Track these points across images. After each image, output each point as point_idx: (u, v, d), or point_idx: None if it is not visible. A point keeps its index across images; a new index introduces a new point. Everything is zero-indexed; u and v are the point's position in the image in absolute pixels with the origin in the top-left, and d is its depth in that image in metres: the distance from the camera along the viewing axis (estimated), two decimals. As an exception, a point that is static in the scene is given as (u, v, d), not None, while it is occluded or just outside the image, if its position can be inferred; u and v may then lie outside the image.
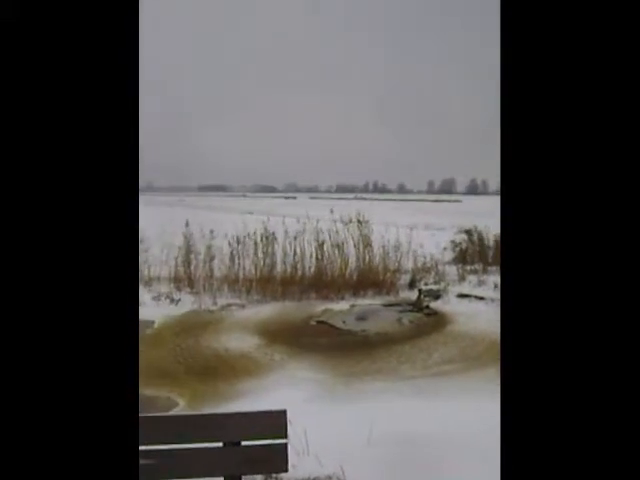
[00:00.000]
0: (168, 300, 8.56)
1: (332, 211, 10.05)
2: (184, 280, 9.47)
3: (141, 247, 9.89)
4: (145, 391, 4.94)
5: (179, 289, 9.25)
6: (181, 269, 9.63)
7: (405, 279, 9.69)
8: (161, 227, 10.48)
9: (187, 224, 9.87)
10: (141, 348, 6.18)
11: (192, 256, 9.67)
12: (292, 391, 4.77)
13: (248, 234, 9.69)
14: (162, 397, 4.86)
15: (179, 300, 8.57)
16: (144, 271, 9.72)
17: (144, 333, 6.81)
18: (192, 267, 9.60)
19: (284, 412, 2.20)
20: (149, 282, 9.52)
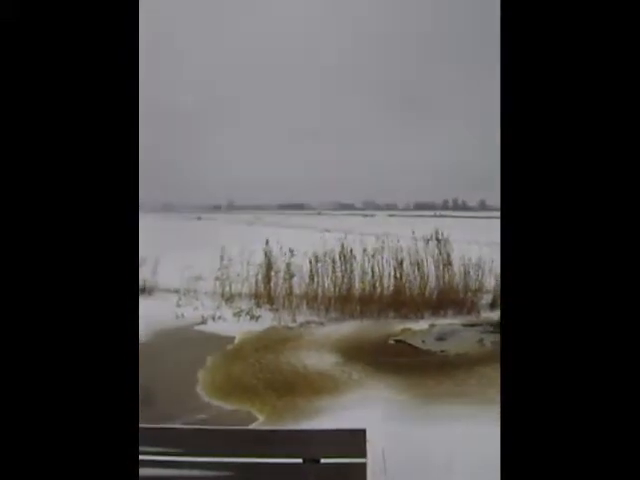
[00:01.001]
0: (248, 316, 8.75)
1: (414, 232, 9.91)
2: (264, 297, 9.65)
3: (222, 264, 10.20)
4: (225, 405, 5.06)
5: (259, 305, 9.43)
6: (261, 286, 9.82)
7: (487, 299, 9.40)
8: (241, 245, 10.73)
9: (267, 242, 10.06)
10: (222, 363, 6.36)
11: (272, 273, 9.84)
12: (370, 410, 4.72)
13: (327, 252, 9.74)
14: (242, 411, 4.95)
15: (259, 316, 8.73)
16: (225, 287, 10.00)
17: (225, 348, 6.98)
18: (272, 284, 9.77)
19: (364, 431, 2.19)
20: (230, 298, 9.78)
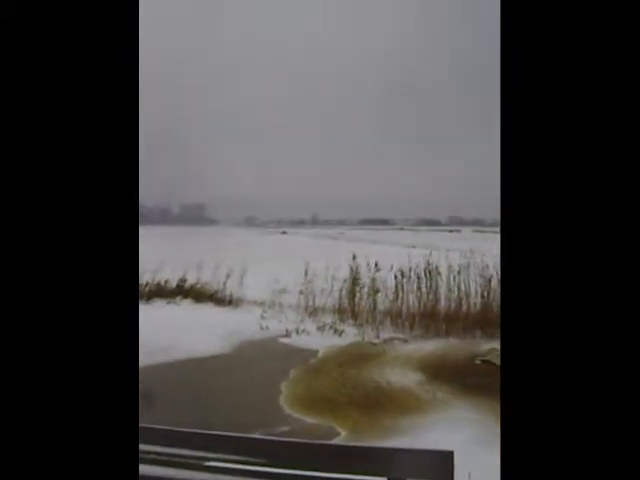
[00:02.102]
0: (332, 331, 8.77)
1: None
2: (348, 312, 9.65)
3: (307, 278, 10.31)
4: (307, 418, 5.07)
5: (343, 320, 9.43)
6: (345, 301, 9.83)
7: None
8: (326, 259, 10.81)
9: (354, 257, 10.07)
10: (305, 376, 6.39)
11: (357, 288, 9.83)
12: (455, 432, 4.58)
13: (411, 268, 9.62)
14: (324, 425, 4.94)
15: (343, 331, 8.73)
16: (309, 301, 10.08)
17: (308, 362, 7.02)
18: (356, 299, 9.75)
19: (451, 453, 2.11)
20: (314, 312, 9.85)
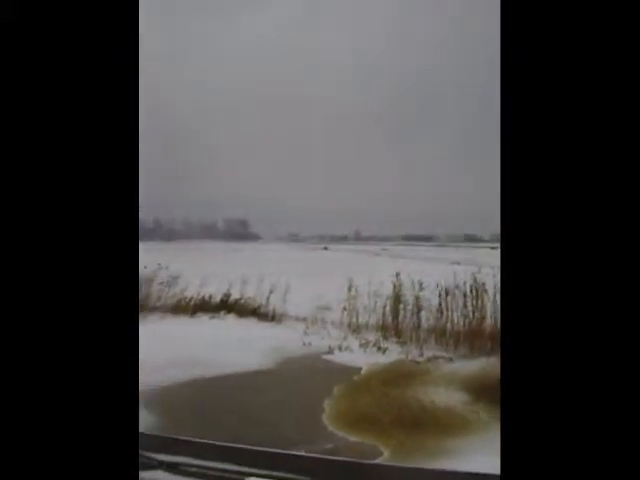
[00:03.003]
0: (375, 348, 8.69)
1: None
2: (391, 329, 9.56)
3: (350, 294, 10.28)
4: (351, 436, 5.02)
5: (386, 338, 9.34)
6: (389, 318, 9.75)
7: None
8: (369, 275, 10.76)
9: (397, 274, 9.99)
10: (348, 394, 6.34)
11: (400, 306, 9.73)
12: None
13: (457, 285, 9.47)
14: (367, 444, 4.88)
15: (386, 349, 8.64)
16: (352, 318, 10.04)
17: (351, 379, 6.97)
18: (400, 317, 9.65)
19: (497, 477, 2.05)
20: (357, 329, 9.80)
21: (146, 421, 4.97)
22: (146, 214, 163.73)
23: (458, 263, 20.80)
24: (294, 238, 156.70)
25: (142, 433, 2.55)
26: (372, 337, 9.33)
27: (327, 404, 5.93)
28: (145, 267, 11.66)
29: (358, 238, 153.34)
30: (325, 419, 5.50)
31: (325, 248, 71.52)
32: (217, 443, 2.46)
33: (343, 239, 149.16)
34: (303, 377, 7.12)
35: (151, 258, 14.15)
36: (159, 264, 12.06)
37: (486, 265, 11.63)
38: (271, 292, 11.22)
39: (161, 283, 11.59)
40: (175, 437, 2.48)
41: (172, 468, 2.29)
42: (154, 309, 10.84)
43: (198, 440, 2.43)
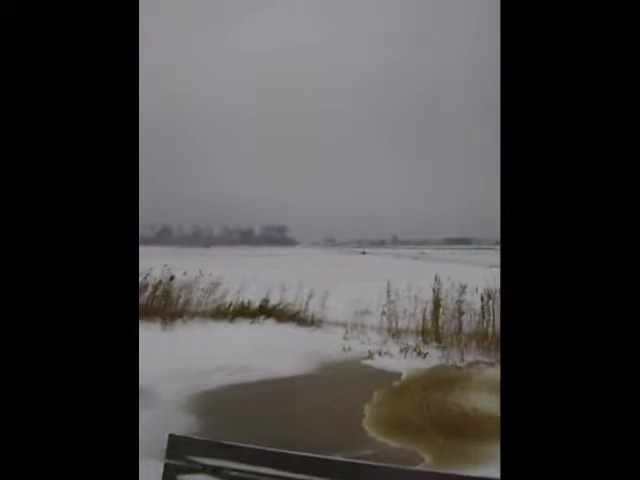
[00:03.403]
0: (415, 353, 8.61)
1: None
2: (432, 334, 9.45)
3: (389, 299, 10.21)
4: (391, 442, 4.98)
5: (426, 342, 9.24)
6: (429, 322, 9.64)
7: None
8: (408, 280, 10.67)
9: (437, 278, 9.89)
10: (388, 399, 6.29)
11: (440, 310, 9.62)
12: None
13: (497, 289, 9.30)
14: (408, 450, 4.83)
15: (426, 354, 8.55)
16: (392, 322, 9.97)
17: (391, 384, 6.92)
18: (440, 321, 9.54)
19: None
20: (397, 334, 9.72)
21: (189, 425, 5.05)
22: (185, 221, 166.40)
23: (497, 266, 20.41)
24: (331, 243, 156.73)
25: (186, 437, 2.59)
26: (412, 342, 9.24)
27: (367, 409, 5.91)
28: (185, 273, 11.84)
29: (395, 242, 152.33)
30: (365, 424, 5.47)
31: (363, 252, 71.39)
32: (259, 448, 2.48)
33: (381, 243, 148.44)
34: (343, 382, 7.10)
35: (191, 264, 14.36)
36: (199, 270, 12.22)
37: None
38: (310, 297, 11.23)
39: (201, 289, 11.72)
40: (218, 441, 2.51)
41: (215, 472, 2.32)
42: (195, 315, 10.97)
43: (240, 445, 2.46)
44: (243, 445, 2.40)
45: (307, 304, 11.17)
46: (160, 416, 5.33)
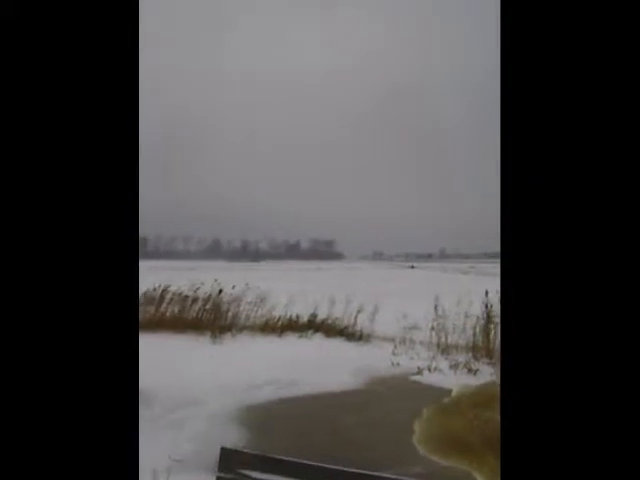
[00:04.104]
0: (466, 369, 8.45)
1: None
2: (482, 350, 9.26)
3: (437, 314, 10.08)
4: (442, 461, 4.88)
5: (477, 359, 9.07)
6: (479, 338, 9.46)
7: None
8: (457, 294, 10.51)
9: (487, 293, 9.70)
10: (438, 416, 6.19)
11: (491, 326, 9.43)
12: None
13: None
14: (459, 469, 4.73)
15: (477, 370, 8.38)
16: (441, 338, 9.83)
17: (441, 401, 6.80)
18: (491, 336, 9.35)
19: None
20: (446, 349, 9.58)
21: (239, 439, 5.09)
22: (234, 235, 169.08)
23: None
24: (379, 256, 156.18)
25: (237, 450, 2.62)
26: (462, 358, 9.08)
27: (417, 426, 5.82)
28: (234, 287, 12.02)
29: (444, 255, 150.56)
30: (415, 441, 5.39)
31: (412, 266, 70.76)
32: (309, 463, 2.48)
33: (428, 257, 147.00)
34: (392, 398, 7.02)
35: (239, 278, 14.57)
36: (246, 284, 12.38)
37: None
38: (359, 311, 11.20)
39: (250, 303, 11.86)
40: (269, 455, 2.53)
41: None
42: (243, 328, 11.10)
43: (291, 459, 2.47)
44: (293, 460, 2.40)
45: (356, 319, 11.14)
46: (210, 429, 5.40)
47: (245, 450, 2.75)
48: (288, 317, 11.42)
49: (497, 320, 9.42)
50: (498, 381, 7.84)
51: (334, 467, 2.45)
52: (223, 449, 2.60)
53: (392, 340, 10.47)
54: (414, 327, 10.98)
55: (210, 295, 11.77)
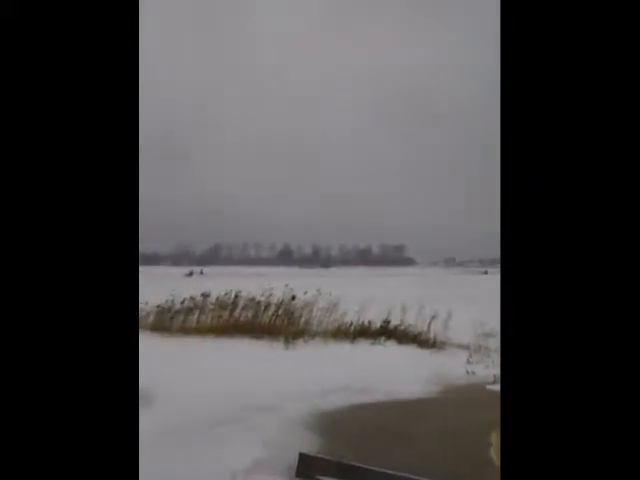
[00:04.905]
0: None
1: None
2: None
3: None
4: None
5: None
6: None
7: None
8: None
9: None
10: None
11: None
12: None
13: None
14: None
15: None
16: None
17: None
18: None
19: None
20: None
21: (312, 444, 5.11)
22: (304, 241, 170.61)
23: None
24: (450, 262, 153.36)
25: (315, 456, 2.63)
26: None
27: (494, 438, 5.64)
28: (306, 293, 12.13)
29: (495, 262, 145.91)
30: (493, 454, 5.23)
31: (485, 272, 68.97)
32: (385, 471, 2.46)
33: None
34: (467, 407, 6.85)
35: (311, 284, 14.69)
36: (318, 289, 12.46)
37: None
38: (433, 318, 11.03)
39: (322, 309, 11.93)
40: (346, 462, 2.52)
41: None
42: (316, 334, 11.16)
43: (367, 467, 2.45)
44: (370, 467, 2.39)
45: (429, 325, 10.97)
46: (283, 433, 5.46)
47: (323, 456, 2.76)
48: (360, 323, 11.39)
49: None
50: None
51: (410, 476, 2.41)
52: (301, 454, 2.62)
53: (467, 348, 10.24)
54: (489, 334, 10.68)
55: (282, 301, 11.93)
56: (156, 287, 16.00)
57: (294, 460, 3.48)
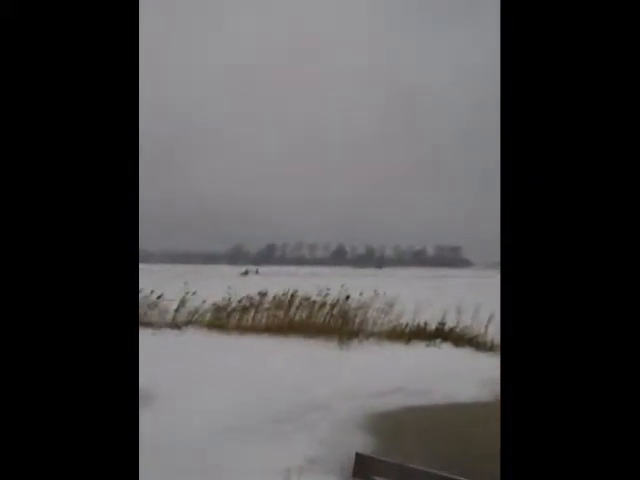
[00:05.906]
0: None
1: None
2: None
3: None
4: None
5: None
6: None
7: None
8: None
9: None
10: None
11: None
12: None
13: None
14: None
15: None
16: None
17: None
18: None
19: None
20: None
21: (366, 444, 5.11)
22: (358, 242, 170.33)
23: None
24: (494, 265, 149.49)
25: (372, 457, 2.63)
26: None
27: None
28: (361, 293, 12.11)
29: None
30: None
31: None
32: (442, 474, 2.43)
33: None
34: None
35: (365, 284, 14.65)
36: (374, 290, 12.41)
37: None
38: (490, 320, 10.77)
39: (377, 309, 11.88)
40: (403, 464, 2.51)
41: None
42: (371, 335, 11.12)
43: (424, 469, 2.43)
44: (429, 470, 2.37)
45: (486, 328, 10.73)
46: (338, 433, 5.47)
47: (381, 457, 2.75)
48: (416, 324, 11.27)
49: None
50: None
51: (467, 481, 2.38)
52: (359, 455, 2.62)
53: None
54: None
55: (338, 300, 11.95)
56: (212, 285, 16.31)
57: (348, 460, 3.52)
